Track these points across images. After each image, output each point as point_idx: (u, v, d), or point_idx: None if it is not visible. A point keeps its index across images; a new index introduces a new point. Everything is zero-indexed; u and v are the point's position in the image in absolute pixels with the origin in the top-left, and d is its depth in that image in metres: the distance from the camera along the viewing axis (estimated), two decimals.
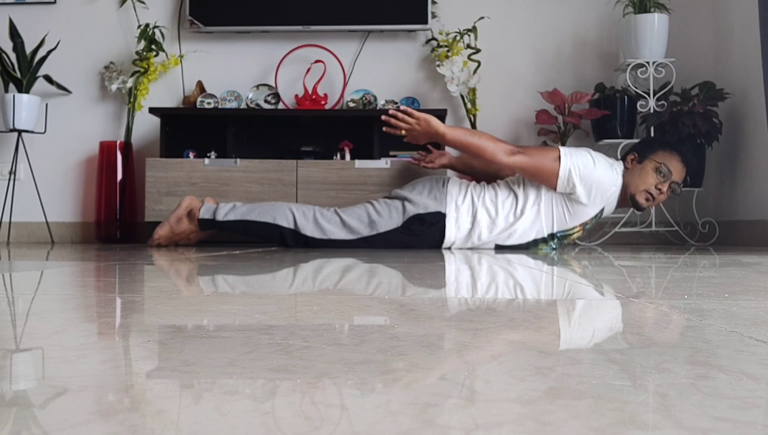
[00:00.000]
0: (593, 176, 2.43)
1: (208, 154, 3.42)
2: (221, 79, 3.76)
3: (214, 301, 0.80)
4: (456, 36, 3.55)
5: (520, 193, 2.56)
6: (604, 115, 3.27)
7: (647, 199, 2.53)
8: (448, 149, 2.93)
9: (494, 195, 2.58)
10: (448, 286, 1.04)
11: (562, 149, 2.47)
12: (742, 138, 3.32)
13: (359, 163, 3.30)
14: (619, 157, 2.67)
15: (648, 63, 3.27)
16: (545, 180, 2.47)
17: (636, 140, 3.32)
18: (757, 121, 3.16)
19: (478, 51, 3.53)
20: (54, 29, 3.78)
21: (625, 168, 2.55)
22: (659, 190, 2.51)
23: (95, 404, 0.34)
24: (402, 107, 2.53)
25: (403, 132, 2.55)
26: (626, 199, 2.56)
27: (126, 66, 3.75)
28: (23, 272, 1.30)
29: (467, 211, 2.57)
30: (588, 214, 2.53)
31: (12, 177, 3.62)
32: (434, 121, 2.46)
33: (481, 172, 2.81)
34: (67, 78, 3.78)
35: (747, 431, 0.30)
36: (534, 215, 2.53)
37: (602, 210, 2.56)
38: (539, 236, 2.56)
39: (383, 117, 2.58)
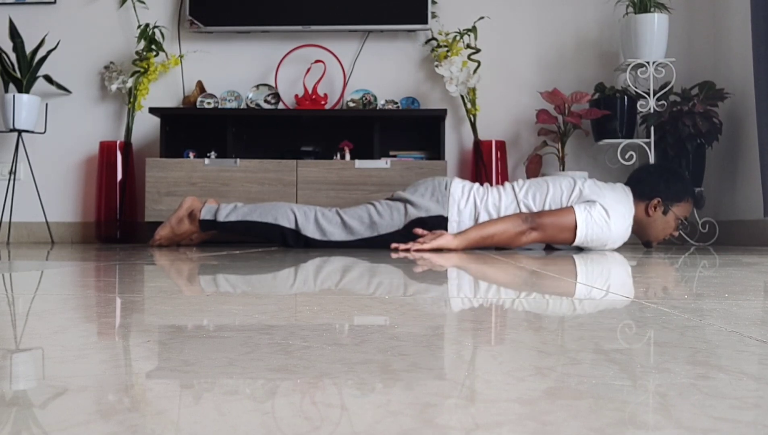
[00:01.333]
0: (607, 236, 2.41)
1: (208, 154, 3.42)
2: (221, 79, 3.76)
3: (214, 301, 0.80)
4: (456, 36, 3.55)
5: (526, 202, 2.54)
6: (604, 115, 3.27)
7: (659, 242, 2.67)
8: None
9: (497, 199, 2.57)
10: (448, 286, 1.04)
11: (578, 216, 2.37)
12: (742, 138, 3.32)
13: (359, 163, 3.30)
14: (629, 186, 2.60)
15: (648, 63, 3.27)
16: (560, 243, 2.47)
17: (639, 141, 3.32)
18: (757, 121, 3.16)
19: (478, 51, 3.53)
20: (54, 29, 3.78)
21: (647, 213, 2.54)
22: (673, 235, 2.63)
23: (95, 404, 0.34)
24: (413, 247, 2.34)
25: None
26: (636, 233, 2.59)
27: (126, 66, 3.75)
28: (23, 272, 1.30)
29: (469, 215, 2.56)
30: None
31: (12, 177, 3.62)
32: (448, 245, 2.34)
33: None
34: (67, 78, 3.78)
35: (747, 431, 0.30)
36: None
37: None
38: (541, 248, 2.57)
39: (393, 255, 2.39)
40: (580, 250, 2.49)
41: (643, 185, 2.56)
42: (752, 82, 3.19)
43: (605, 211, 2.41)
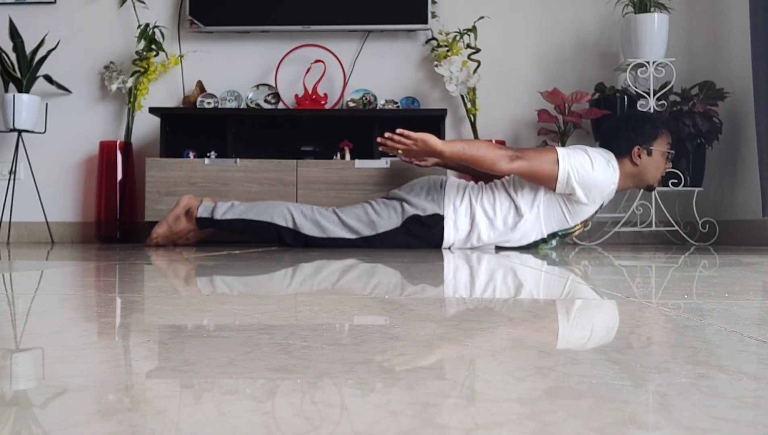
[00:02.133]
0: (591, 178, 2.44)
1: (208, 154, 3.42)
2: (221, 78, 3.76)
3: (214, 301, 0.80)
4: (456, 36, 3.55)
5: (517, 196, 2.55)
6: (604, 115, 3.27)
7: (659, 182, 2.70)
8: None
9: (492, 197, 2.58)
10: (448, 286, 1.04)
11: (560, 151, 2.46)
12: (742, 138, 3.32)
13: (359, 163, 3.30)
14: (606, 147, 2.65)
15: (648, 63, 3.27)
16: (544, 183, 2.48)
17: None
18: (756, 120, 3.16)
19: (478, 51, 3.53)
20: (54, 29, 3.78)
21: (633, 163, 2.55)
22: (668, 168, 2.67)
23: (95, 404, 0.34)
24: (398, 130, 2.50)
25: (400, 152, 2.54)
26: (636, 185, 2.64)
27: (126, 66, 3.75)
28: (23, 272, 1.30)
29: (465, 213, 2.57)
30: (588, 212, 2.54)
31: (12, 177, 3.62)
32: (431, 140, 2.45)
33: (475, 169, 2.81)
34: (67, 78, 3.78)
35: (747, 431, 0.30)
36: (534, 218, 2.53)
37: (602, 205, 2.57)
38: (539, 238, 2.56)
39: (379, 139, 2.57)
40: (578, 245, 2.49)
41: (616, 143, 2.59)
42: (752, 82, 3.18)
43: (587, 155, 2.47)
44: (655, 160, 2.58)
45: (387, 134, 2.51)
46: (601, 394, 0.37)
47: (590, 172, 2.43)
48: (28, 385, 0.39)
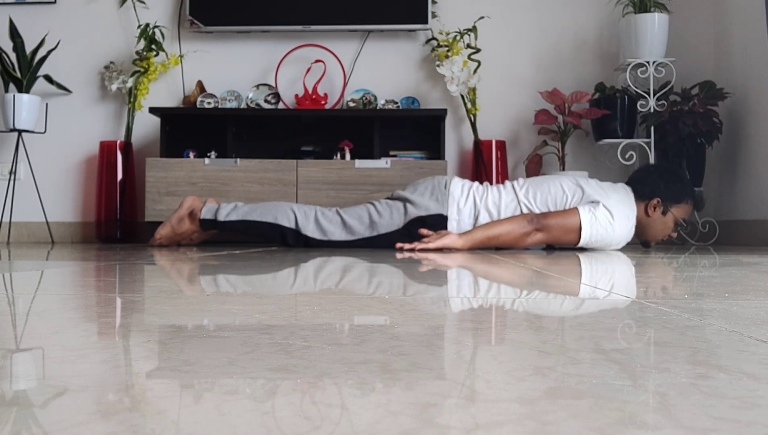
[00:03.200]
0: (611, 238, 2.41)
1: (209, 154, 3.42)
2: (221, 78, 3.76)
3: (214, 301, 0.80)
4: (456, 36, 3.55)
5: (527, 202, 2.54)
6: (604, 115, 3.27)
7: (657, 243, 2.69)
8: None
9: (498, 197, 2.56)
10: (449, 286, 1.04)
11: (583, 217, 2.37)
12: (742, 138, 3.32)
13: (359, 163, 3.30)
14: (629, 185, 2.59)
15: (648, 63, 3.27)
16: (565, 244, 2.47)
17: (639, 141, 3.32)
18: (757, 121, 3.16)
19: (478, 51, 3.53)
20: (54, 29, 3.78)
21: (646, 213, 2.54)
22: (671, 236, 2.64)
23: (95, 404, 0.34)
24: (418, 247, 2.32)
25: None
26: (636, 233, 2.57)
27: (126, 66, 3.75)
28: (23, 272, 1.30)
29: (469, 213, 2.56)
30: None
31: (12, 177, 3.62)
32: (453, 245, 2.34)
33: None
34: (67, 78, 3.78)
35: (747, 431, 0.30)
36: None
37: None
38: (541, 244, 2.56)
39: (398, 255, 2.39)
40: (581, 249, 2.49)
41: (644, 185, 2.56)
42: (753, 82, 3.19)
43: (609, 213, 2.40)
44: (666, 221, 2.56)
45: (406, 252, 2.27)
46: (601, 394, 0.37)
47: (612, 235, 2.40)
48: (28, 385, 0.39)
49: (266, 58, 3.75)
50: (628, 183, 2.62)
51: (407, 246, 2.37)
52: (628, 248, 2.70)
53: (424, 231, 2.43)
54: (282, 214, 2.62)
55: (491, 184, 2.96)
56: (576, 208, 2.41)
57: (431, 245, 2.32)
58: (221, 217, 2.64)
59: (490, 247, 2.45)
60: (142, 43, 3.64)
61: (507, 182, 2.64)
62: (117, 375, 0.41)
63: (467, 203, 2.57)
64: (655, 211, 2.54)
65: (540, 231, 2.38)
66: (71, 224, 3.79)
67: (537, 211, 2.50)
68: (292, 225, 2.60)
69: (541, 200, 2.53)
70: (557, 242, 2.45)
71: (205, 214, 2.67)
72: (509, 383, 0.39)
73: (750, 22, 3.20)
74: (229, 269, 1.38)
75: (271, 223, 2.61)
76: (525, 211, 2.52)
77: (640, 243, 2.69)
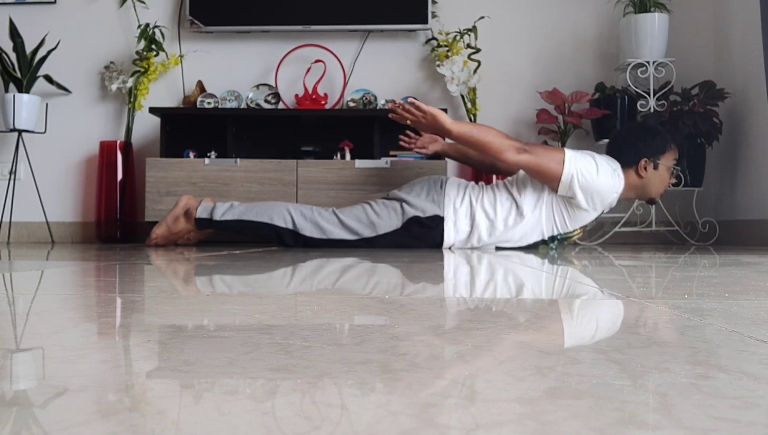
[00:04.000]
0: (595, 184, 2.42)
1: (209, 154, 3.42)
2: (221, 78, 3.76)
3: (214, 301, 0.80)
4: (456, 36, 3.55)
5: (520, 196, 2.54)
6: (604, 115, 3.27)
7: (661, 196, 2.69)
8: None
9: (493, 197, 2.57)
10: (449, 286, 1.04)
11: (568, 153, 2.44)
12: (742, 138, 3.32)
13: (359, 163, 3.30)
14: (610, 154, 2.63)
15: (648, 62, 3.27)
16: (547, 181, 2.46)
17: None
18: (757, 121, 3.16)
19: (478, 51, 3.53)
20: (54, 29, 3.78)
21: (638, 175, 2.54)
22: (671, 184, 2.66)
23: (95, 404, 0.34)
24: (411, 100, 2.48)
25: (409, 122, 2.51)
26: (637, 197, 2.62)
27: (126, 66, 3.75)
28: (23, 272, 1.30)
29: (465, 214, 2.56)
30: (588, 218, 2.53)
31: (12, 177, 3.62)
32: (441, 116, 2.42)
33: (477, 161, 2.80)
34: (67, 78, 3.78)
35: (747, 431, 0.30)
36: (535, 220, 2.53)
37: (602, 212, 2.56)
38: (539, 239, 2.56)
39: (389, 105, 2.55)
40: (576, 245, 2.49)
41: (625, 153, 2.56)
42: (753, 82, 3.18)
43: (594, 161, 2.45)
44: (660, 174, 2.56)
45: (399, 101, 2.50)
46: (601, 394, 0.37)
47: (594, 178, 2.42)
48: (28, 385, 0.39)
49: (266, 58, 3.75)
50: (608, 154, 2.63)
51: (399, 101, 2.50)
52: (629, 248, 2.71)
53: (413, 100, 2.50)
54: (278, 214, 2.62)
55: (493, 184, 2.96)
56: (562, 148, 2.49)
57: (423, 106, 2.42)
58: (217, 217, 2.63)
59: (474, 146, 2.47)
60: (142, 43, 3.64)
61: (499, 182, 2.65)
62: (117, 375, 0.41)
63: (463, 203, 2.57)
64: (646, 171, 2.55)
65: (526, 152, 2.41)
66: (71, 224, 3.79)
67: (528, 204, 2.54)
68: (288, 225, 2.60)
69: (531, 186, 2.54)
70: (541, 170, 2.43)
71: (201, 213, 2.66)
72: (509, 383, 0.39)
73: (750, 22, 3.20)
74: (229, 269, 1.38)
75: (266, 223, 2.61)
76: (520, 203, 2.53)
77: (646, 202, 2.70)
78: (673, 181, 2.64)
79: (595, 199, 2.45)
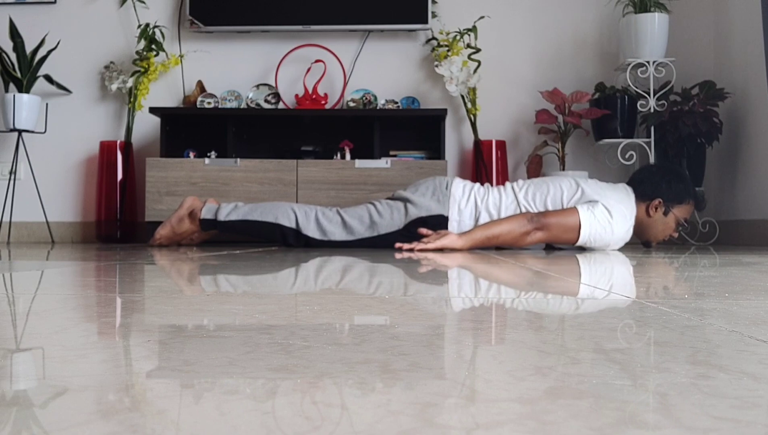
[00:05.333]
0: (610, 238, 2.41)
1: (209, 154, 3.42)
2: (221, 78, 3.76)
3: (214, 301, 0.80)
4: (456, 36, 3.55)
5: (524, 202, 2.54)
6: (604, 115, 3.27)
7: (659, 243, 2.69)
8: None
9: (498, 199, 2.56)
10: (449, 286, 1.04)
11: (582, 216, 2.37)
12: (742, 138, 3.32)
13: (359, 163, 3.30)
14: (630, 184, 2.59)
15: (648, 62, 3.27)
16: (564, 243, 2.47)
17: (639, 140, 3.32)
18: (757, 121, 3.16)
19: (478, 51, 3.53)
20: (54, 29, 3.78)
21: (647, 213, 2.54)
22: (672, 236, 2.64)
23: (96, 404, 0.34)
24: (417, 247, 2.31)
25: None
26: (636, 233, 2.58)
27: (126, 66, 3.75)
28: (23, 272, 1.30)
29: (470, 214, 2.56)
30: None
31: (12, 177, 3.62)
32: (452, 245, 2.33)
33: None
34: (67, 78, 3.78)
35: (747, 431, 0.30)
36: None
37: None
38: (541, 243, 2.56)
39: (397, 255, 2.39)
40: (581, 249, 2.49)
41: (645, 185, 2.56)
42: (753, 82, 3.18)
43: (608, 211, 2.40)
44: (667, 221, 2.55)
45: (405, 252, 2.25)
46: (601, 394, 0.37)
47: (610, 234, 2.40)
48: (28, 385, 0.39)
49: (266, 58, 3.75)
50: (629, 183, 2.62)
51: (406, 246, 2.36)
52: (628, 248, 2.70)
53: (423, 230, 2.43)
54: (282, 213, 2.62)
55: (492, 184, 2.96)
56: (575, 207, 2.41)
57: (430, 246, 2.31)
58: (221, 217, 2.64)
59: (490, 246, 2.45)
60: (142, 43, 3.64)
61: (507, 184, 2.64)
62: (117, 375, 0.41)
63: (468, 204, 2.57)
64: (656, 211, 2.54)
65: (539, 230, 2.38)
66: (71, 224, 3.79)
67: (534, 207, 2.52)
68: (293, 225, 2.60)
69: (540, 201, 2.53)
70: (556, 241, 2.45)
71: (205, 213, 2.67)
72: (509, 383, 0.39)
73: (750, 22, 3.20)
74: (230, 269, 1.38)
75: (271, 222, 2.61)
76: (524, 209, 2.52)
77: (641, 243, 2.68)
78: (675, 234, 2.62)
79: (610, 245, 2.45)
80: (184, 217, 2.72)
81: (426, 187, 2.62)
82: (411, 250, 2.31)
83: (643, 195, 2.54)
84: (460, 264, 1.58)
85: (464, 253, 2.21)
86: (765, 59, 2.89)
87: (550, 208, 2.51)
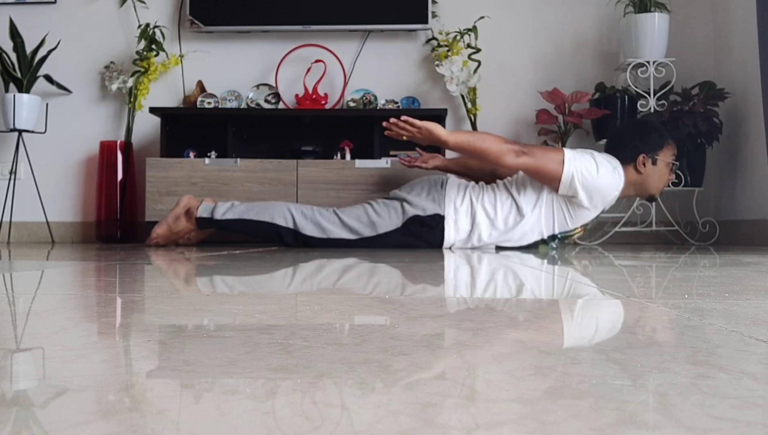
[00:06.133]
0: (595, 182, 2.42)
1: (209, 154, 3.42)
2: (221, 78, 3.76)
3: (214, 301, 0.80)
4: (456, 36, 3.55)
5: (519, 196, 2.54)
6: (604, 115, 3.27)
7: (661, 193, 2.69)
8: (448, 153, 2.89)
9: (493, 197, 2.57)
10: (449, 286, 1.04)
11: (567, 153, 2.44)
12: (742, 138, 3.32)
13: (359, 163, 3.30)
14: (609, 152, 2.63)
15: (648, 62, 3.27)
16: (547, 182, 2.46)
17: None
18: (757, 121, 3.16)
19: (478, 51, 3.53)
20: (54, 29, 3.78)
21: (637, 171, 2.54)
22: (671, 180, 2.65)
23: (96, 404, 0.34)
24: (403, 117, 2.45)
25: (405, 137, 2.51)
26: (637, 194, 2.63)
27: (126, 66, 3.75)
28: (23, 272, 1.30)
29: (466, 213, 2.56)
30: (589, 216, 2.53)
31: (12, 177, 3.62)
32: (436, 129, 2.41)
33: (478, 171, 2.79)
34: (67, 78, 3.78)
35: (747, 431, 0.30)
36: (535, 219, 2.53)
37: (603, 210, 2.57)
38: (540, 238, 2.56)
39: (384, 123, 2.52)
40: (568, 242, 2.49)
41: (622, 150, 2.57)
42: (753, 82, 3.18)
43: (593, 160, 2.45)
44: (659, 169, 2.57)
45: (392, 120, 2.46)
46: (601, 394, 0.37)
47: (595, 176, 2.42)
48: (28, 385, 0.39)
49: (266, 58, 3.75)
50: (606, 152, 2.63)
51: (392, 120, 2.45)
52: (629, 248, 2.70)
53: (406, 118, 2.47)
54: (279, 213, 2.62)
55: (491, 184, 2.96)
56: (561, 148, 2.45)
57: (417, 122, 2.39)
58: (218, 216, 2.64)
59: (473, 154, 2.46)
60: (143, 43, 3.64)
61: (499, 181, 2.65)
62: (117, 375, 0.41)
63: (464, 203, 2.57)
64: (645, 166, 2.55)
65: (525, 154, 2.40)
66: (71, 224, 3.79)
67: (527, 203, 2.54)
68: (289, 225, 2.60)
69: (531, 186, 2.54)
70: (540, 172, 2.43)
71: (202, 212, 2.67)
72: (509, 383, 0.39)
73: (750, 22, 3.20)
74: (229, 269, 1.38)
75: (267, 222, 2.61)
76: (520, 202, 2.53)
77: (646, 200, 2.70)
78: (672, 177, 2.64)
79: (595, 197, 2.45)
80: (180, 215, 2.72)
81: (421, 187, 2.63)
82: (396, 123, 2.42)
83: (625, 159, 2.55)
84: (461, 264, 1.58)
85: (465, 252, 2.21)
86: (760, 63, 2.89)
87: (539, 194, 2.53)
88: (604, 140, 3.37)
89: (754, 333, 0.57)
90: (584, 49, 3.71)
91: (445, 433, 0.30)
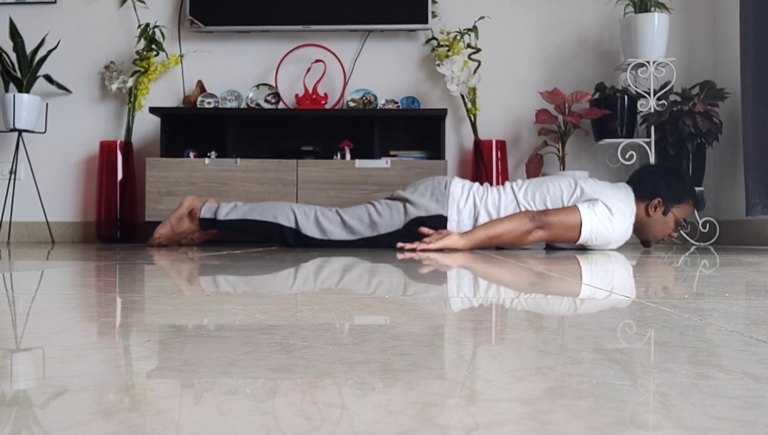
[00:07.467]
0: (612, 235, 2.41)
1: (209, 154, 3.42)
2: (221, 78, 3.76)
3: (214, 301, 0.80)
4: (456, 35, 3.55)
5: (523, 201, 2.54)
6: (604, 115, 3.27)
7: (657, 242, 2.68)
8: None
9: (497, 198, 2.56)
10: (449, 286, 1.04)
11: (583, 214, 2.36)
12: (742, 138, 3.31)
13: (359, 163, 3.30)
14: (628, 183, 2.59)
15: (648, 62, 3.27)
16: (565, 242, 2.47)
17: (639, 140, 3.32)
18: (757, 121, 3.16)
19: (478, 50, 3.53)
20: (54, 29, 3.78)
21: (647, 213, 2.54)
22: (671, 236, 2.64)
23: (96, 404, 0.34)
24: (421, 247, 2.29)
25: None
26: (635, 232, 2.58)
27: (126, 66, 3.75)
28: (23, 272, 1.30)
29: (469, 214, 2.56)
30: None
31: (12, 177, 3.62)
32: (454, 245, 2.31)
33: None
34: (67, 78, 3.78)
35: (747, 431, 0.30)
36: None
37: None
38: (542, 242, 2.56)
39: (400, 245, 2.36)
40: (581, 249, 2.49)
41: (645, 185, 2.56)
42: (740, 84, 3.18)
43: (608, 209, 2.40)
44: (666, 220, 2.55)
45: (408, 252, 2.23)
46: (601, 394, 0.37)
47: (611, 232, 2.40)
48: (28, 385, 0.39)
49: (266, 58, 3.75)
50: (628, 182, 2.62)
51: (408, 246, 2.35)
52: (629, 248, 2.70)
53: (424, 230, 2.42)
54: (282, 213, 2.62)
55: (491, 184, 2.96)
56: (576, 206, 2.40)
57: (432, 246, 2.30)
58: (221, 216, 2.64)
59: (492, 246, 2.44)
60: (143, 43, 3.64)
61: (506, 183, 2.64)
62: (117, 375, 0.41)
63: (467, 204, 2.57)
64: (656, 211, 2.54)
65: (541, 228, 2.37)
66: (71, 224, 3.79)
67: (533, 206, 2.52)
68: (292, 224, 2.60)
69: (540, 200, 2.53)
70: (557, 240, 2.44)
71: (205, 213, 2.67)
72: (509, 383, 0.39)
73: (739, 27, 3.20)
74: (230, 269, 1.38)
75: (270, 222, 2.61)
76: (523, 208, 2.52)
77: (641, 242, 2.68)
78: (674, 234, 2.61)
79: (611, 244, 2.45)
80: (183, 216, 2.72)
81: (425, 187, 2.62)
82: (413, 250, 2.31)
83: (642, 194, 2.54)
84: (461, 264, 1.58)
85: (465, 253, 2.21)
86: (740, 60, 2.90)
87: (550, 207, 2.50)
88: (605, 140, 3.37)
89: (754, 333, 0.57)
90: (584, 49, 3.71)
91: (445, 433, 0.30)
